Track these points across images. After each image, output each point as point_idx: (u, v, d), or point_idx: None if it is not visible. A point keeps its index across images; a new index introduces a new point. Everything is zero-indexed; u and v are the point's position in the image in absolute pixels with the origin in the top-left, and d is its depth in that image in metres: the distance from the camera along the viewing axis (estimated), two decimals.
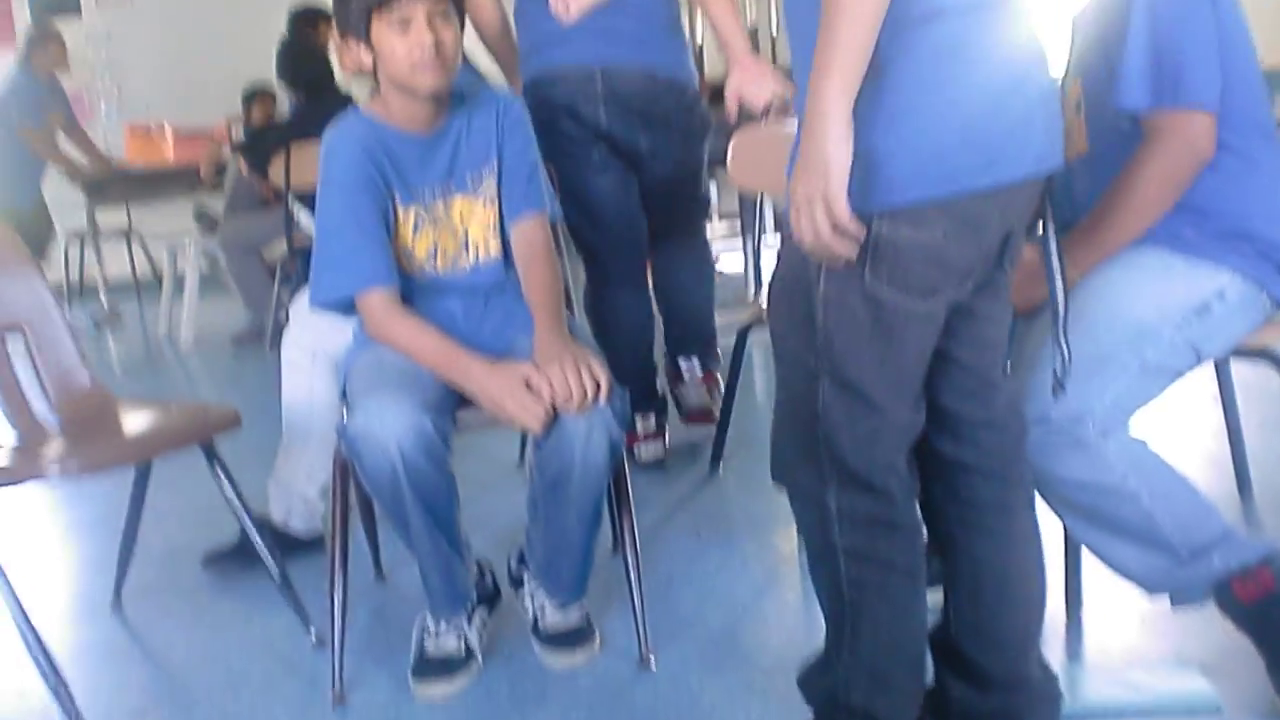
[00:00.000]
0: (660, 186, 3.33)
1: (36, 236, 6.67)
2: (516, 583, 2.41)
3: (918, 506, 1.72)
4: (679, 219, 3.47)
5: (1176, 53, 1.87)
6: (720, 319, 3.86)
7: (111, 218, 8.17)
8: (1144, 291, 1.92)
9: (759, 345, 3.93)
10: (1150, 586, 1.98)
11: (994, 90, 1.51)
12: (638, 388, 3.19)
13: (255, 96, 7.11)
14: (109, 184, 6.88)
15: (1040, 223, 1.73)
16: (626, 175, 3.26)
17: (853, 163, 1.47)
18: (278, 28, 5.65)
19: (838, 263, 1.52)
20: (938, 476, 1.75)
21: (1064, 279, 1.73)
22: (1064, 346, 1.73)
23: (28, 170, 6.73)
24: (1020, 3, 1.56)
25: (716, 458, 3.36)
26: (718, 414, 3.43)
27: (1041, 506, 1.95)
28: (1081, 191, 2.05)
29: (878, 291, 1.55)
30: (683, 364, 3.62)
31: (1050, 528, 1.99)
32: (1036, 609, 1.81)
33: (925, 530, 1.74)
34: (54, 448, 2.38)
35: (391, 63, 2.13)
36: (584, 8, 1.75)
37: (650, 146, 3.22)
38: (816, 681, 1.78)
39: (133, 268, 8.14)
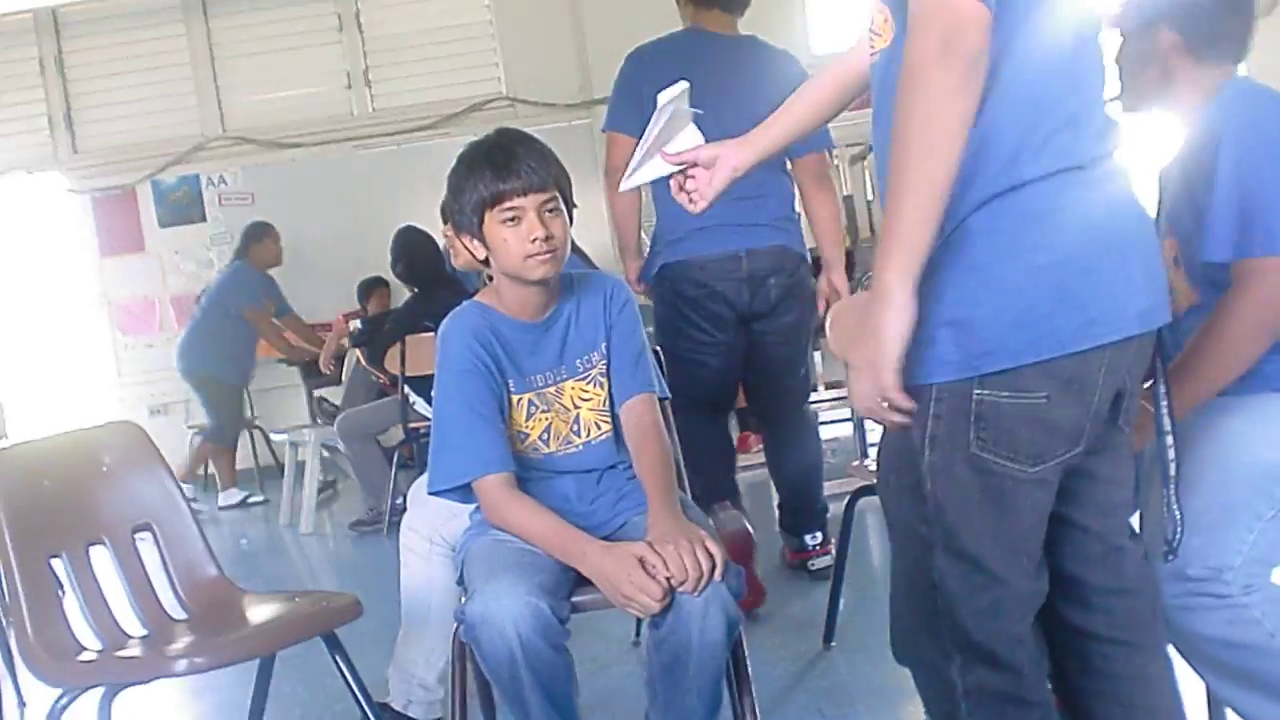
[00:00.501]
0: (776, 353, 3.73)
1: (231, 414, 7.23)
2: None
3: (1048, 681, 1.66)
4: (790, 392, 3.64)
5: (1262, 201, 1.86)
6: (830, 488, 3.85)
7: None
8: (1265, 435, 1.88)
9: (870, 511, 3.88)
10: None
11: (1087, 251, 1.51)
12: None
13: (371, 288, 7.38)
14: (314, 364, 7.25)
15: (1153, 381, 1.71)
16: (739, 344, 3.71)
17: (947, 331, 1.49)
18: (392, 224, 5.90)
19: (893, 428, 1.55)
20: (1069, 648, 1.69)
21: (1175, 438, 1.70)
22: (1176, 511, 1.70)
23: (242, 351, 7.23)
24: (1112, 164, 1.58)
25: (830, 629, 3.30)
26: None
27: (1181, 664, 1.88)
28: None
29: (984, 459, 1.53)
30: (807, 539, 3.82)
31: (1189, 681, 1.92)
32: None
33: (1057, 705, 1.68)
34: (182, 642, 2.43)
35: (504, 255, 2.20)
36: (709, 200, 1.96)
37: (773, 314, 3.69)
38: None
39: (255, 458, 8.36)
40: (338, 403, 6.79)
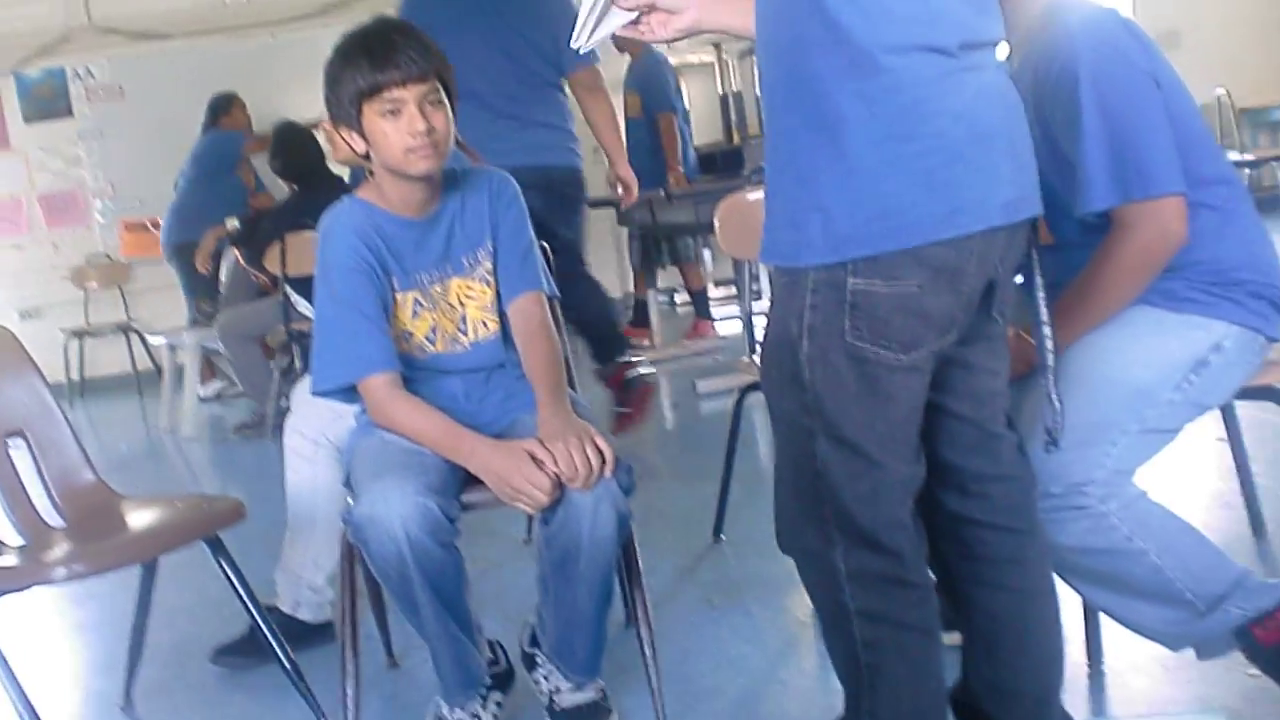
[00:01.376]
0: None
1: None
2: (530, 663, 2.38)
3: (928, 566, 1.70)
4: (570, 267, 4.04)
5: (1136, 145, 1.86)
6: (720, 382, 3.88)
7: (108, 313, 8.21)
8: (1139, 353, 1.91)
9: (758, 408, 3.93)
10: (1171, 642, 1.96)
11: (954, 141, 1.52)
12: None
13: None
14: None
15: (1028, 275, 1.73)
16: None
17: (817, 216, 1.52)
18: (270, 118, 5.73)
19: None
20: (948, 534, 1.73)
21: (1053, 330, 1.73)
22: (1055, 400, 1.73)
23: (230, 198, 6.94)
24: (983, 56, 1.58)
25: (719, 523, 3.35)
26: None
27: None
28: (1050, 274, 2.04)
29: (859, 348, 1.56)
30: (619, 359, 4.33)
31: (1069, 593, 1.98)
32: (1055, 662, 1.79)
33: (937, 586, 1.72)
34: (60, 550, 2.37)
35: (384, 149, 2.14)
36: (664, 37, 1.88)
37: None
38: None
39: (132, 361, 8.16)
40: (214, 305, 6.63)
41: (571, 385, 2.32)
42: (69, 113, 8.39)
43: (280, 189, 6.06)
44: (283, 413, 3.71)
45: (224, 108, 7.14)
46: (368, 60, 2.10)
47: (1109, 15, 1.95)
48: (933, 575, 1.72)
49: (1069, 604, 2.31)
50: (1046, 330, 1.74)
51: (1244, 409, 2.71)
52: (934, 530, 1.72)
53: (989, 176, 1.55)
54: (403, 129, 2.10)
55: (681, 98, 7.52)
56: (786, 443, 1.67)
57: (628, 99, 7.02)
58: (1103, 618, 2.19)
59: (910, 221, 1.51)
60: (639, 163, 4.95)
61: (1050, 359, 1.73)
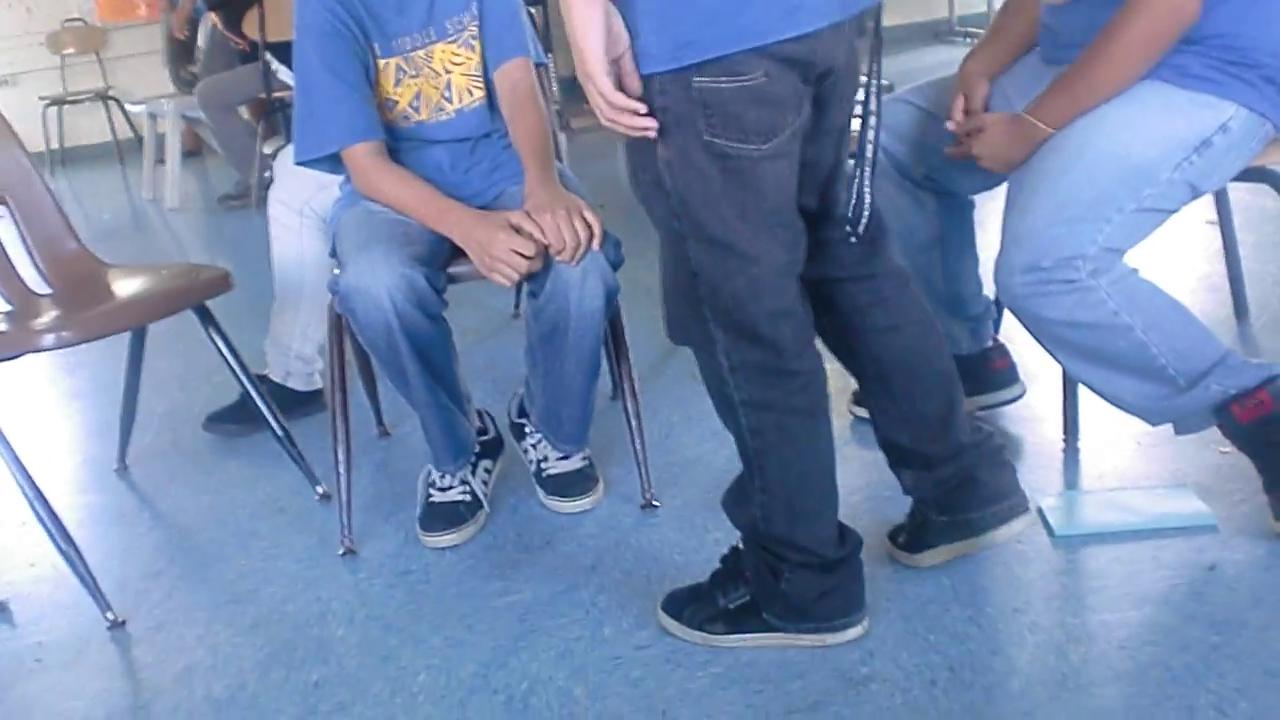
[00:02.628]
0: None
1: None
2: (518, 433, 2.42)
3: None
4: None
5: None
6: None
7: (86, 80, 8.02)
8: (1144, 130, 1.87)
9: None
10: (1150, 417, 1.99)
11: None
12: None
13: None
14: None
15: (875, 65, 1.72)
16: None
17: (648, 22, 1.49)
18: None
19: (642, 135, 1.55)
20: (812, 296, 1.75)
21: (878, 123, 1.74)
22: (866, 192, 1.74)
23: None
24: None
25: None
26: None
27: (1036, 346, 1.96)
28: (1071, 34, 1.98)
29: (718, 144, 1.54)
30: None
31: (1048, 359, 2.00)
32: (949, 379, 1.86)
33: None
34: (48, 317, 2.37)
35: None
36: None
37: None
38: (739, 508, 1.81)
39: (112, 130, 8.02)
40: (196, 70, 6.47)
41: (559, 157, 2.28)
42: None
43: None
44: (267, 183, 3.67)
45: None
46: None
47: None
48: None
49: (1048, 382, 2.36)
50: (872, 120, 1.74)
51: (1235, 191, 2.70)
52: None
53: None
54: None
55: None
56: (664, 245, 1.68)
57: None
58: (1080, 396, 2.22)
59: (748, 22, 1.48)
60: None
61: (870, 150, 1.73)
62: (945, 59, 7.35)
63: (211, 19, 5.95)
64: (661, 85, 1.53)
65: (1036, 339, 1.95)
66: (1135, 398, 1.96)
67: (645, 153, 1.59)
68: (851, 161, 1.75)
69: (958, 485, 1.87)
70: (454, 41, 2.20)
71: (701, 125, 1.53)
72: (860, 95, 1.78)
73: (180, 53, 6.62)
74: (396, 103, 2.20)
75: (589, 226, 2.01)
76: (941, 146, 2.17)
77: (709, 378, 1.72)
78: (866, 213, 1.75)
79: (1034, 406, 2.42)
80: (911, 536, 1.94)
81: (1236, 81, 1.88)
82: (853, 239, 1.77)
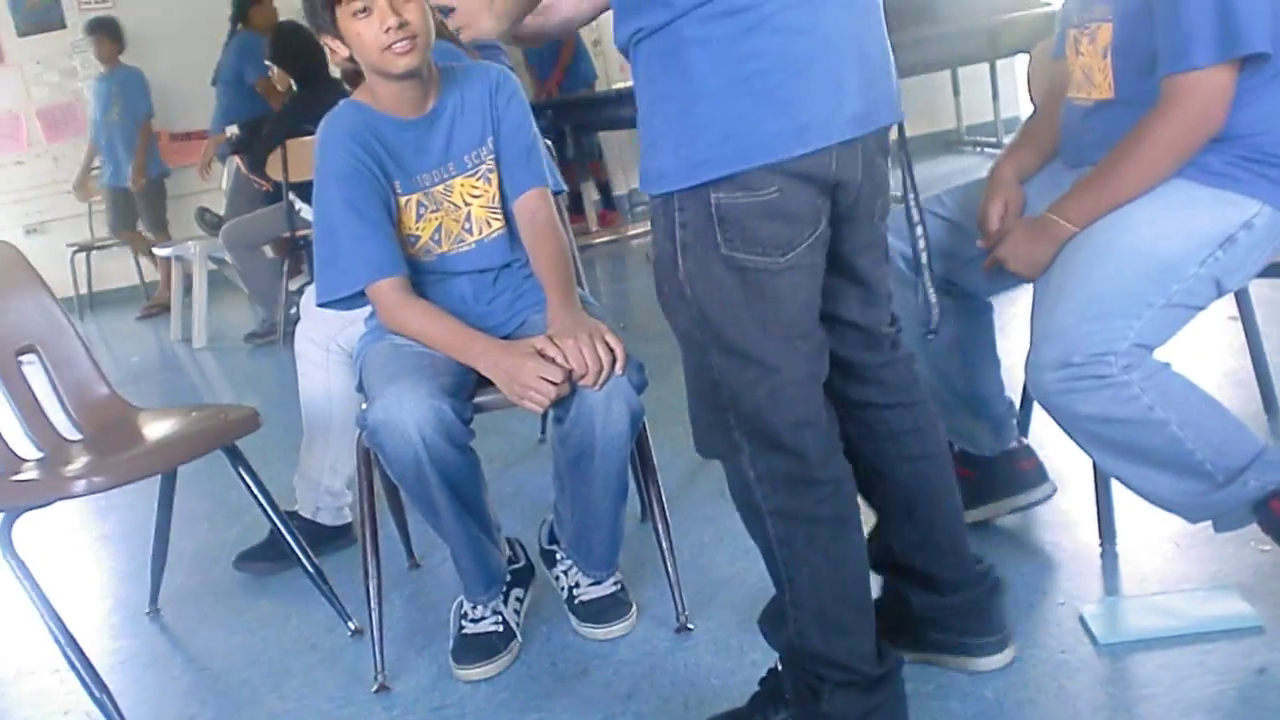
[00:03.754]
0: None
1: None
2: (549, 559, 2.41)
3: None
4: None
5: (1236, 6, 1.80)
6: None
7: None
8: (1169, 226, 1.89)
9: None
10: (1188, 513, 1.97)
11: (797, 58, 1.53)
12: None
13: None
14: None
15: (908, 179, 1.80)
16: None
17: (667, 141, 1.56)
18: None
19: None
20: (849, 418, 1.79)
21: (925, 232, 1.84)
22: (930, 296, 1.85)
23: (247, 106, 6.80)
24: None
25: None
26: None
27: (1069, 442, 1.95)
28: (1095, 136, 2.01)
29: (736, 258, 1.58)
30: None
31: (1079, 461, 1.99)
32: (960, 510, 1.92)
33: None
34: (79, 463, 2.39)
35: (362, 50, 2.11)
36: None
37: None
38: (776, 627, 1.80)
39: (139, 274, 8.16)
40: (221, 213, 6.59)
41: (579, 283, 2.31)
42: (62, 24, 8.28)
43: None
44: (293, 320, 3.71)
45: (246, 7, 6.91)
46: None
47: None
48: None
49: (1080, 485, 2.33)
50: (919, 230, 1.84)
51: (1256, 286, 2.70)
52: (839, 417, 1.76)
53: (835, 90, 1.56)
54: (375, 27, 2.07)
55: None
56: (687, 355, 1.71)
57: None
58: (1115, 498, 2.20)
59: (758, 141, 1.53)
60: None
61: (924, 258, 1.84)
62: (956, 168, 7.44)
63: (236, 162, 6.09)
64: (681, 202, 1.58)
65: (1070, 436, 1.94)
66: (1172, 494, 1.94)
67: (668, 265, 1.63)
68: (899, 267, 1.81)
69: (967, 612, 1.90)
70: (472, 175, 2.25)
71: (719, 239, 1.57)
72: (903, 208, 1.86)
73: (122, 205, 6.87)
74: (419, 238, 2.24)
75: (612, 350, 2.02)
76: (960, 252, 2.19)
77: (735, 488, 1.72)
78: (935, 312, 1.85)
79: (1067, 510, 2.40)
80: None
81: (1260, 179, 1.90)
82: (929, 336, 1.87)
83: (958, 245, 2.21)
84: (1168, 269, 1.87)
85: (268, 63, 5.81)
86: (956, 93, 8.32)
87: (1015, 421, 2.43)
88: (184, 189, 7.99)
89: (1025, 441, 2.43)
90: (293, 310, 5.45)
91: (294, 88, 5.56)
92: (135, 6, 8.10)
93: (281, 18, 6.58)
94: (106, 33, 7.32)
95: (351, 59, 2.14)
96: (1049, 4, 6.90)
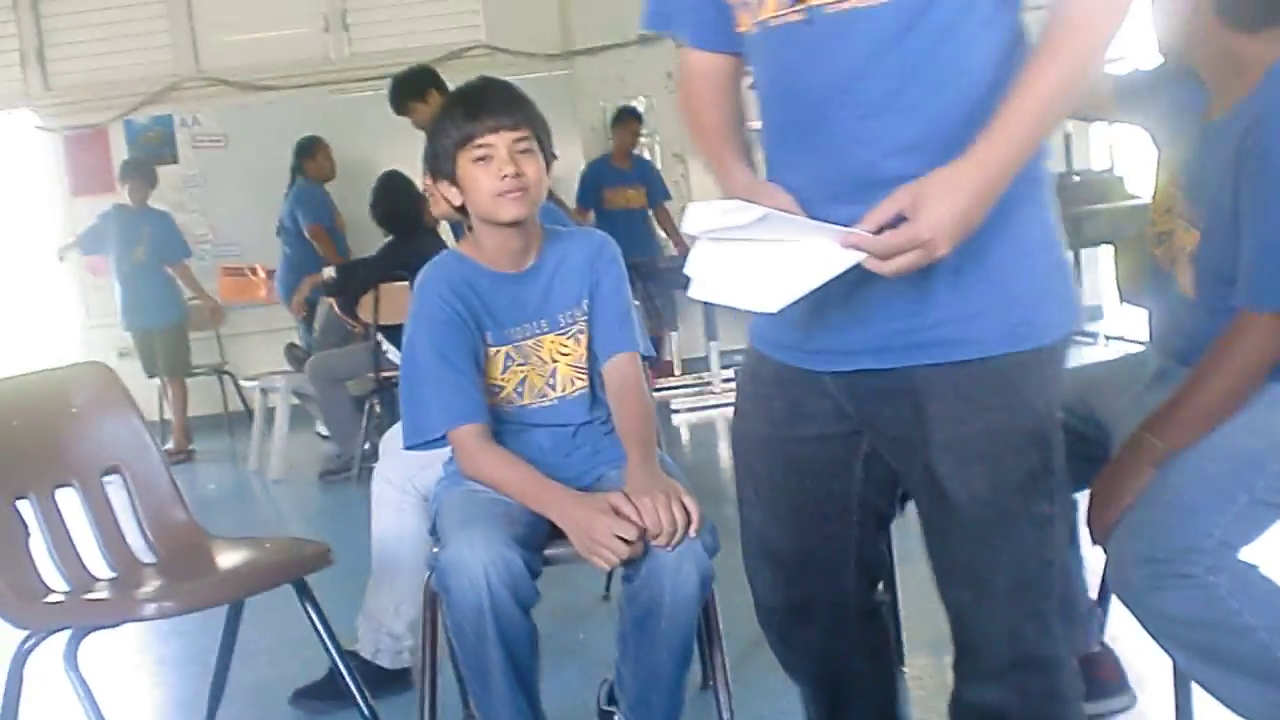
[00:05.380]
0: None
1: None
2: (606, 719, 2.37)
3: None
4: None
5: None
6: None
7: (203, 355, 8.38)
8: (1249, 421, 1.87)
9: None
10: None
11: None
12: None
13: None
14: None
15: None
16: None
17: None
18: (367, 170, 5.84)
19: None
20: None
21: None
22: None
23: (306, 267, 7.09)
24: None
25: None
26: None
27: (1147, 639, 1.90)
28: (1180, 339, 2.01)
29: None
30: None
31: (1159, 660, 1.93)
32: None
33: None
34: (151, 586, 2.41)
35: (475, 195, 2.19)
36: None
37: None
38: None
39: (225, 404, 8.31)
40: (308, 349, 6.74)
41: (660, 446, 2.32)
42: (174, 159, 8.62)
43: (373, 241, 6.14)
44: (367, 457, 3.75)
45: (308, 152, 7.27)
46: (463, 110, 2.18)
47: None
48: None
49: (1157, 687, 2.26)
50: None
51: None
52: None
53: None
54: (493, 173, 2.15)
55: None
56: (1002, 545, 1.57)
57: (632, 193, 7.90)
58: (1195, 703, 2.13)
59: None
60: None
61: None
62: None
63: (328, 303, 6.25)
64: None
65: (1152, 636, 1.89)
66: (1256, 703, 1.87)
67: (1032, 437, 1.57)
68: None
69: None
70: (564, 334, 2.29)
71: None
72: None
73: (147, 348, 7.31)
74: (502, 388, 2.27)
75: (687, 512, 2.02)
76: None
77: (1051, 699, 1.61)
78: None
79: (1145, 714, 2.32)
80: None
81: None
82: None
83: None
84: (1251, 465, 1.85)
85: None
86: None
87: (1098, 624, 2.37)
88: (239, 327, 8.19)
89: (1107, 644, 2.37)
90: (368, 448, 5.52)
91: (388, 235, 5.72)
92: (239, 144, 8.42)
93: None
94: (143, 175, 7.48)
95: (461, 207, 2.22)
96: (1136, 197, 6.95)
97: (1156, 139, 2.25)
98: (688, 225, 1.47)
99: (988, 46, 1.50)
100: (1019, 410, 1.55)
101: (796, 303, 1.46)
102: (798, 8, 1.51)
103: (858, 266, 1.43)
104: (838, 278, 1.45)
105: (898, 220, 1.40)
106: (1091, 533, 1.98)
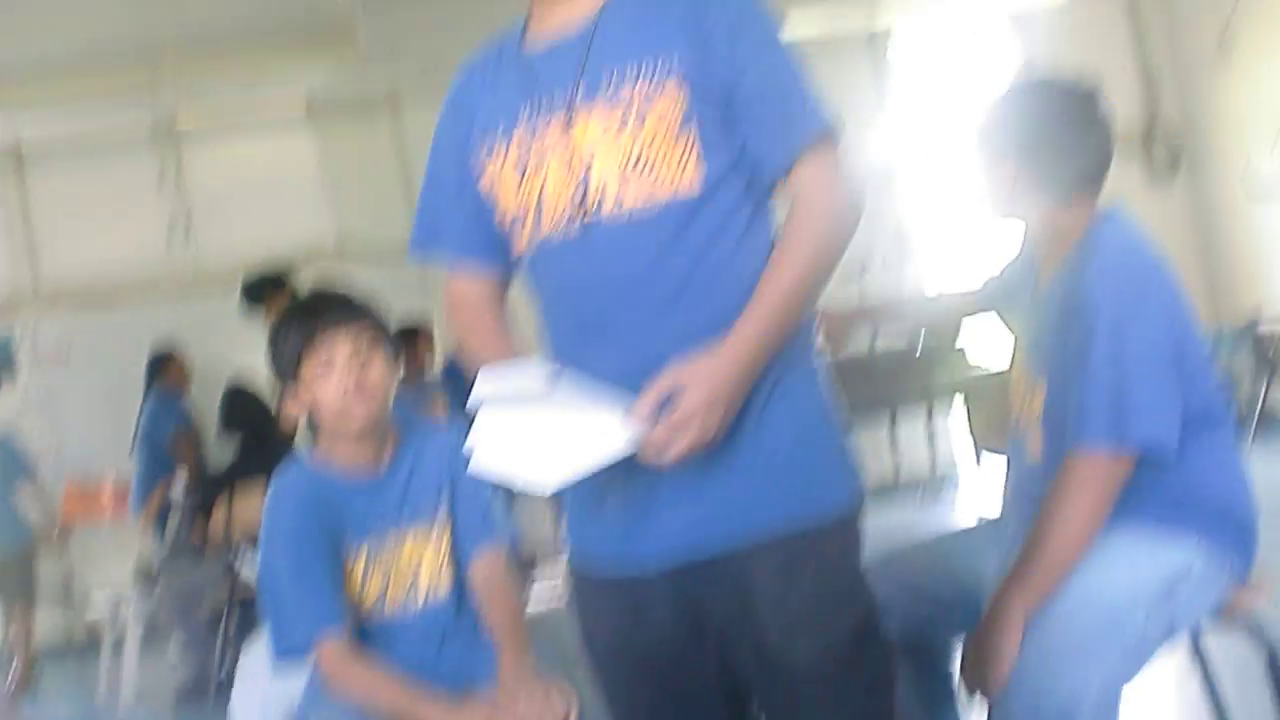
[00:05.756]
0: None
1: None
2: None
3: None
4: None
5: (1135, 393, 1.91)
6: None
7: (46, 577, 7.98)
8: (1113, 574, 1.92)
9: None
10: None
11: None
12: None
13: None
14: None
15: None
16: None
17: None
18: (220, 379, 5.74)
19: None
20: None
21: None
22: None
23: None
24: None
25: None
26: None
27: None
28: (1039, 499, 2.06)
29: None
30: None
31: None
32: None
33: None
34: None
35: (320, 407, 2.15)
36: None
37: None
38: None
39: (71, 628, 7.90)
40: (159, 567, 6.47)
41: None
42: (14, 375, 8.36)
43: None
44: (223, 684, 3.58)
45: (161, 364, 7.12)
46: (299, 322, 2.16)
47: (1136, 258, 2.03)
48: None
49: None
50: None
51: (1212, 638, 2.68)
52: None
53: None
54: (335, 384, 2.12)
55: None
56: (841, 709, 1.67)
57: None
58: None
59: None
60: None
61: None
62: (894, 522, 7.50)
63: (178, 516, 6.04)
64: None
65: None
66: None
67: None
68: None
69: None
70: (424, 535, 2.24)
71: None
72: None
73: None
74: (364, 597, 2.20)
75: (565, 708, 1.97)
76: (933, 615, 2.17)
77: None
78: None
79: None
80: None
81: (1190, 524, 1.97)
82: None
83: (912, 604, 2.19)
84: (1117, 617, 1.89)
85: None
86: (894, 446, 8.50)
87: None
88: (86, 546, 7.87)
89: None
90: (225, 668, 5.28)
91: (238, 444, 5.60)
92: (82, 357, 8.22)
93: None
94: None
95: (310, 415, 2.18)
96: (979, 368, 7.20)
97: (1005, 319, 2.34)
98: (477, 389, 1.52)
99: (752, 248, 1.64)
100: (834, 576, 1.64)
101: (573, 482, 1.52)
102: (574, 224, 1.62)
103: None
104: (636, 475, 1.54)
105: (665, 405, 1.50)
106: (969, 689, 2.02)
